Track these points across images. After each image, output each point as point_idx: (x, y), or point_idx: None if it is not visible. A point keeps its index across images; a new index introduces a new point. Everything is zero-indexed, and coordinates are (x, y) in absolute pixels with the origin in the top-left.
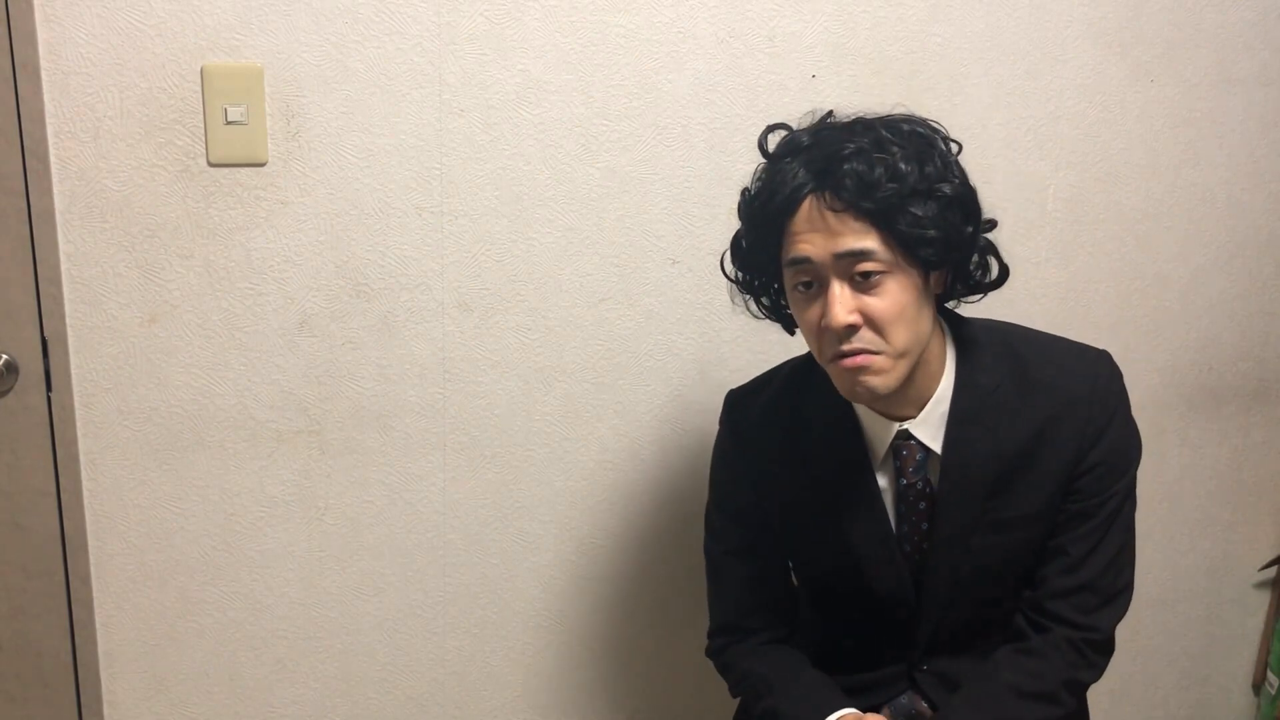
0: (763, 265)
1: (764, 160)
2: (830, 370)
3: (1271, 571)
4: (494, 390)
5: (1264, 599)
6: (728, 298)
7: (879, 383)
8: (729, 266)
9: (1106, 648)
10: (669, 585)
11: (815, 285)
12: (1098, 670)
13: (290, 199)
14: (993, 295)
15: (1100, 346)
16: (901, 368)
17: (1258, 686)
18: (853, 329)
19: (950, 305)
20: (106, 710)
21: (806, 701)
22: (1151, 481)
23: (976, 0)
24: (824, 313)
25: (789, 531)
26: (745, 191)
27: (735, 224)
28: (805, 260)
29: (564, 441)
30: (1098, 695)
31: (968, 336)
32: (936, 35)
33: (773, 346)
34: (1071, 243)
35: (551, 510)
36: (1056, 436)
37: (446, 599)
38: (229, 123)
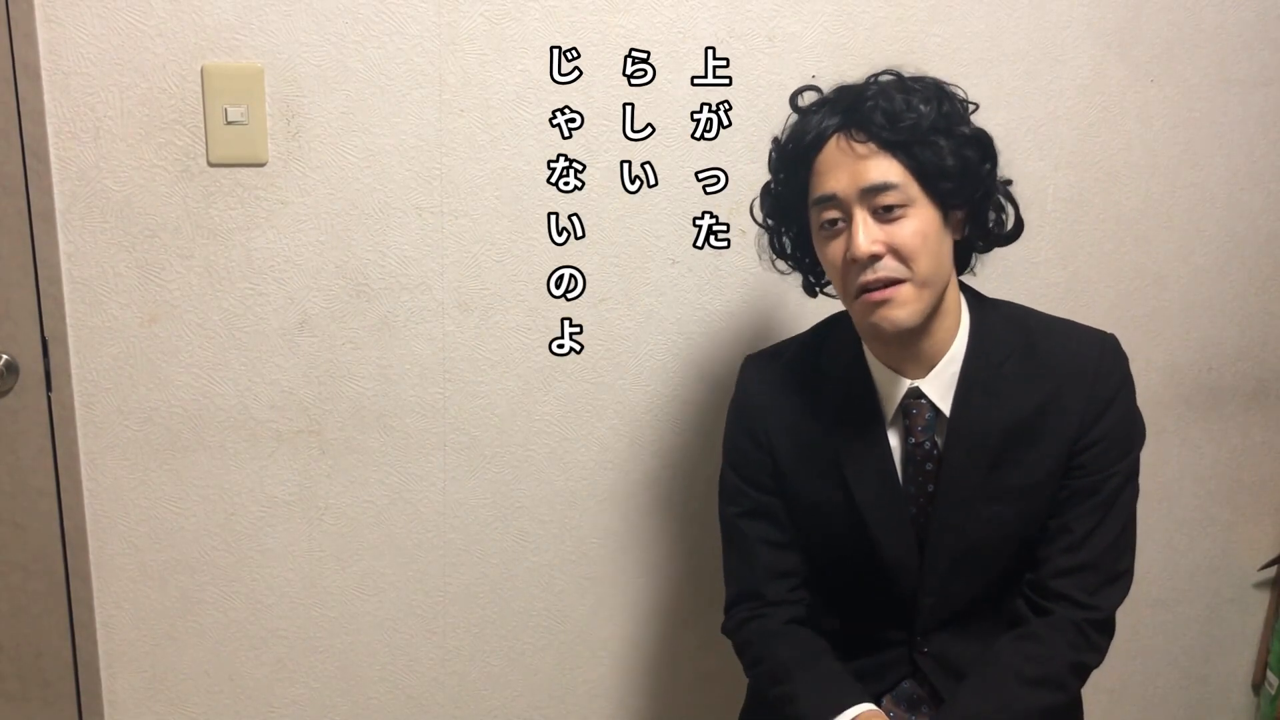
0: (790, 207)
1: (794, 114)
2: (854, 308)
3: (1271, 571)
4: (494, 390)
5: (1264, 599)
6: (728, 298)
7: (902, 314)
8: (758, 213)
9: (1108, 628)
10: (669, 585)
11: (840, 222)
12: (1100, 653)
13: (290, 199)
14: (994, 294)
15: None
16: (925, 299)
17: (1257, 686)
18: (876, 258)
19: (965, 275)
20: (107, 710)
21: (826, 692)
22: (1151, 481)
23: (976, 0)
24: (849, 245)
25: (798, 490)
26: (776, 140)
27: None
28: (831, 197)
29: (564, 441)
30: (1098, 694)
31: (984, 302)
32: (936, 35)
33: None
34: (1071, 243)
35: (551, 510)
36: (1060, 409)
37: (446, 599)
38: (229, 123)
